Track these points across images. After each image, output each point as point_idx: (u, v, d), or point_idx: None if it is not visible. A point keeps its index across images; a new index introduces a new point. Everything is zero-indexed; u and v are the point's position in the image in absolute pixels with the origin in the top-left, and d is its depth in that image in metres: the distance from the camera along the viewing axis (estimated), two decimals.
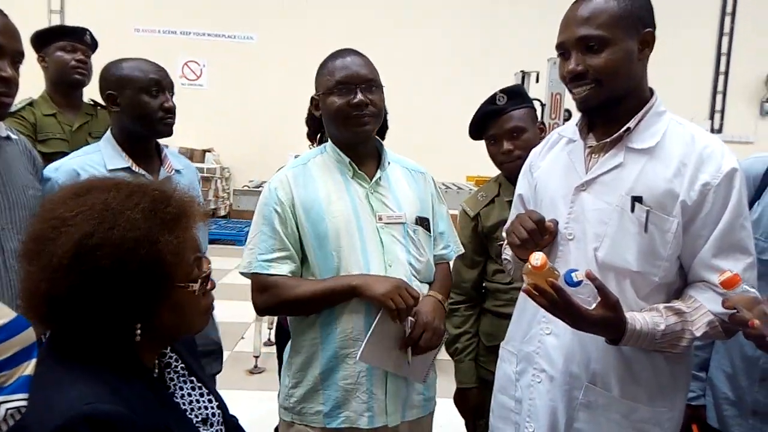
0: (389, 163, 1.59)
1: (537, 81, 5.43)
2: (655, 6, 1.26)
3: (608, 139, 1.28)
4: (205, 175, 7.95)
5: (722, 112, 9.17)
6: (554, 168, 1.39)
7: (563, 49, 1.26)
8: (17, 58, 1.37)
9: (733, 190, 1.19)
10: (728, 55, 8.99)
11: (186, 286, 0.90)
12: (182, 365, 1.04)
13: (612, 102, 1.25)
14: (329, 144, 1.58)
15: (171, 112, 1.79)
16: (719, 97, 9.13)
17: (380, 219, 1.50)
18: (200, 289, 0.93)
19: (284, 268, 1.48)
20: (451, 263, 1.77)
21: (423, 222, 1.57)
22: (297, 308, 1.53)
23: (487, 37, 8.54)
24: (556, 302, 1.14)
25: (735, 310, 1.06)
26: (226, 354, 2.19)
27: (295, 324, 1.56)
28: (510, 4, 8.57)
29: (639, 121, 1.26)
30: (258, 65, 8.64)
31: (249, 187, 8.37)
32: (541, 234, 1.30)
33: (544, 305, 1.16)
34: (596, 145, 1.31)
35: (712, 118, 9.16)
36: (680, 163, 1.21)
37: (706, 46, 8.91)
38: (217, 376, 2.11)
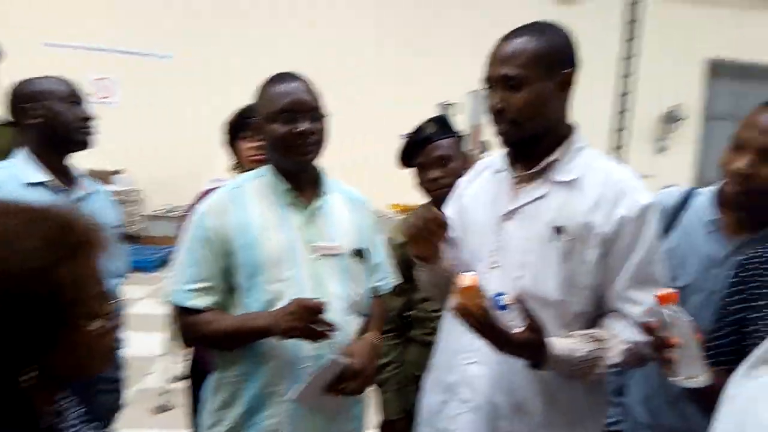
0: (328, 191, 1.53)
1: (458, 113, 5.61)
2: None
3: (531, 171, 1.31)
4: (114, 198, 7.50)
5: (622, 148, 9.88)
6: (481, 196, 1.40)
7: (489, 84, 1.29)
8: None
9: (647, 224, 1.24)
10: (625, 95, 9.76)
11: (86, 324, 0.81)
12: (78, 410, 0.93)
13: (531, 139, 1.28)
14: (269, 168, 1.50)
15: (89, 121, 1.77)
16: (621, 134, 9.85)
17: (315, 250, 1.44)
18: (101, 327, 0.83)
19: (205, 300, 1.39)
20: None
21: (360, 254, 1.51)
22: (213, 344, 1.44)
23: (411, 67, 8.73)
24: (484, 324, 1.13)
25: (653, 337, 1.09)
26: (130, 390, 2.03)
27: (219, 358, 1.46)
28: (436, 35, 8.82)
29: (560, 156, 1.30)
30: (174, 84, 8.33)
31: (161, 212, 8.00)
32: (438, 227, 1.31)
33: (472, 326, 1.15)
34: (523, 175, 1.34)
35: (615, 152, 9.84)
36: (599, 196, 1.25)
37: (608, 87, 9.62)
38: (122, 414, 1.95)
